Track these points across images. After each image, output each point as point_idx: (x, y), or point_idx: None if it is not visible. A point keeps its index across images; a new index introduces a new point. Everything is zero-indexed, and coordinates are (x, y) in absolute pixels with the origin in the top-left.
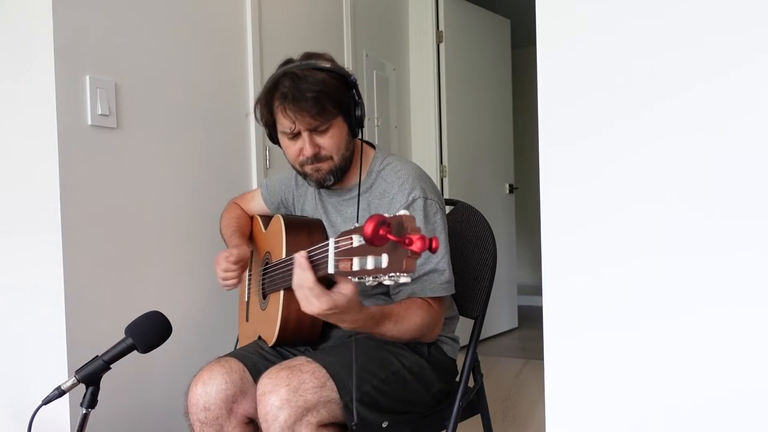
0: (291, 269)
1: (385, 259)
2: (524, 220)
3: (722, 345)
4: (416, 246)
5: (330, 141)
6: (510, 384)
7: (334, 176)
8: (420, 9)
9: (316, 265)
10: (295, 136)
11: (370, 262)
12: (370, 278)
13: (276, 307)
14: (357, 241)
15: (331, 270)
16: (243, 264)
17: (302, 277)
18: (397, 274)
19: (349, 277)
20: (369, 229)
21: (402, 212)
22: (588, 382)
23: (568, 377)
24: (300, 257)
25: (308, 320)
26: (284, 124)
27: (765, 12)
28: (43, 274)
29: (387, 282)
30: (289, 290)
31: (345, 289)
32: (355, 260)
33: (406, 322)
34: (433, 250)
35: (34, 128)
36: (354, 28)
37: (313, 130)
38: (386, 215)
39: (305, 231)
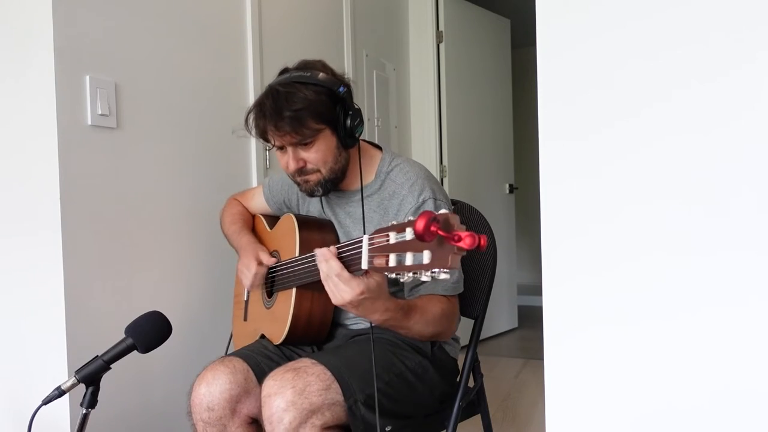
0: (307, 267)
1: (427, 256)
2: (524, 220)
3: (723, 345)
4: (465, 243)
5: (315, 155)
6: (510, 384)
7: (323, 188)
8: (420, 9)
9: (346, 261)
10: (281, 148)
11: (409, 258)
12: (409, 274)
13: (287, 305)
14: (394, 237)
15: (365, 266)
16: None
17: (329, 266)
18: (439, 270)
19: (386, 273)
20: (421, 225)
21: (443, 211)
22: (588, 382)
23: (568, 377)
24: (322, 249)
25: (317, 320)
26: (270, 139)
27: (765, 12)
28: (43, 274)
29: (424, 278)
30: (301, 288)
31: (376, 276)
32: (392, 256)
33: (431, 314)
34: (481, 248)
35: (34, 128)
36: (354, 28)
37: (297, 145)
38: (435, 212)
39: (317, 230)
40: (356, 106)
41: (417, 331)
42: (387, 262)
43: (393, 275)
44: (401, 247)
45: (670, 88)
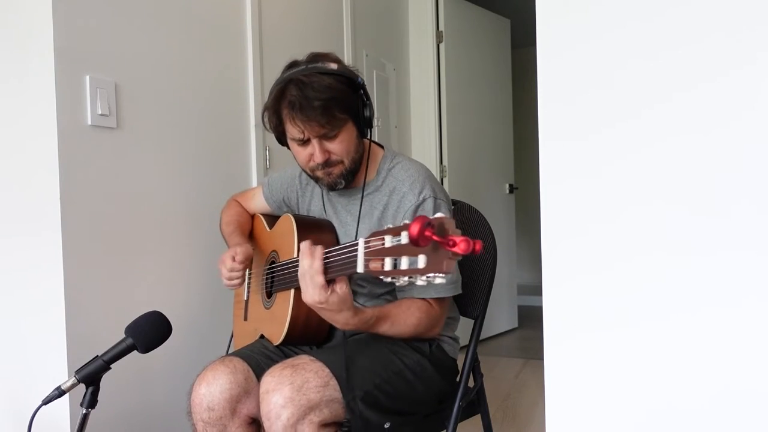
0: None
1: (422, 260)
2: (524, 220)
3: (723, 345)
4: (460, 248)
5: (340, 146)
6: (510, 384)
7: (345, 179)
8: (420, 9)
9: (342, 264)
10: (305, 142)
11: (404, 263)
12: (405, 278)
13: (285, 306)
14: (390, 241)
15: (360, 269)
16: (248, 263)
17: (309, 264)
18: (435, 274)
19: (381, 277)
20: (415, 230)
21: (439, 215)
22: (588, 382)
23: (568, 377)
24: (307, 245)
25: (316, 320)
26: (293, 132)
27: (765, 12)
28: (43, 274)
29: (420, 282)
30: (300, 289)
31: (339, 289)
32: (387, 260)
33: (402, 323)
34: (476, 253)
35: (34, 128)
36: (354, 28)
37: (323, 137)
38: (429, 217)
39: (316, 231)
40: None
41: (389, 336)
42: (383, 265)
43: (389, 279)
44: (397, 251)
45: (671, 88)
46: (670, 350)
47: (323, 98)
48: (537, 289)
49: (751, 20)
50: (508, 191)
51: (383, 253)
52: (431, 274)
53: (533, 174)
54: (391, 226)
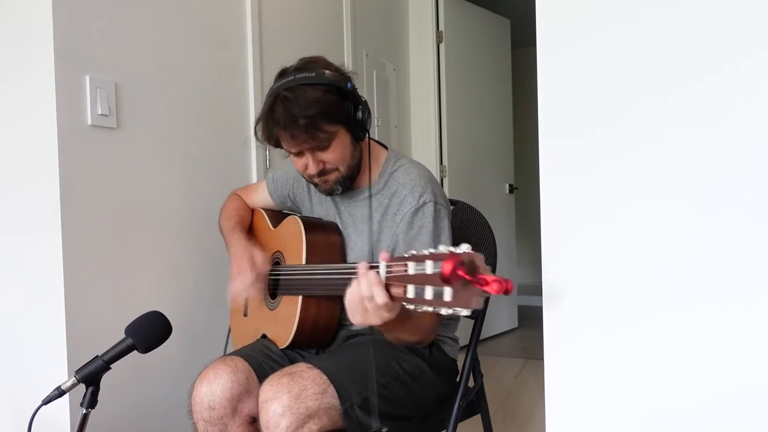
0: (319, 280)
1: (448, 293)
2: (524, 220)
3: (724, 344)
4: (492, 288)
5: (333, 155)
6: (510, 384)
7: (342, 185)
8: (420, 9)
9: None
10: (298, 153)
11: (428, 292)
12: (429, 308)
13: (292, 311)
14: (413, 268)
15: None
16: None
17: (374, 291)
18: (461, 309)
19: (404, 303)
20: (448, 269)
21: (464, 247)
22: (588, 382)
23: (568, 377)
24: (372, 273)
25: (323, 324)
26: (285, 146)
27: (763, 11)
28: (43, 274)
29: (444, 312)
30: (307, 298)
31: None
32: (410, 288)
33: (424, 323)
34: (508, 293)
35: (34, 128)
36: (354, 28)
37: (315, 149)
38: (457, 251)
39: (323, 234)
40: (363, 99)
41: (404, 339)
42: (405, 292)
43: (412, 306)
44: (421, 280)
45: (671, 87)
46: (670, 350)
47: (309, 115)
48: (537, 289)
49: (749, 19)
50: (508, 191)
51: (406, 279)
52: (458, 308)
53: (533, 174)
54: (414, 252)
